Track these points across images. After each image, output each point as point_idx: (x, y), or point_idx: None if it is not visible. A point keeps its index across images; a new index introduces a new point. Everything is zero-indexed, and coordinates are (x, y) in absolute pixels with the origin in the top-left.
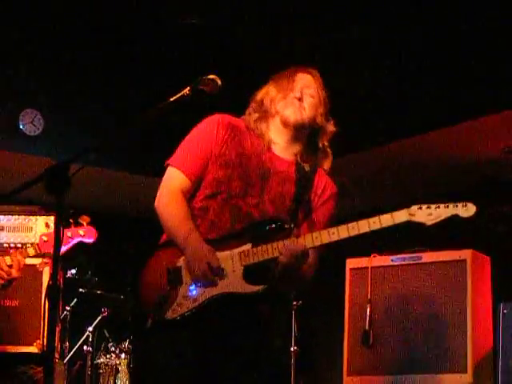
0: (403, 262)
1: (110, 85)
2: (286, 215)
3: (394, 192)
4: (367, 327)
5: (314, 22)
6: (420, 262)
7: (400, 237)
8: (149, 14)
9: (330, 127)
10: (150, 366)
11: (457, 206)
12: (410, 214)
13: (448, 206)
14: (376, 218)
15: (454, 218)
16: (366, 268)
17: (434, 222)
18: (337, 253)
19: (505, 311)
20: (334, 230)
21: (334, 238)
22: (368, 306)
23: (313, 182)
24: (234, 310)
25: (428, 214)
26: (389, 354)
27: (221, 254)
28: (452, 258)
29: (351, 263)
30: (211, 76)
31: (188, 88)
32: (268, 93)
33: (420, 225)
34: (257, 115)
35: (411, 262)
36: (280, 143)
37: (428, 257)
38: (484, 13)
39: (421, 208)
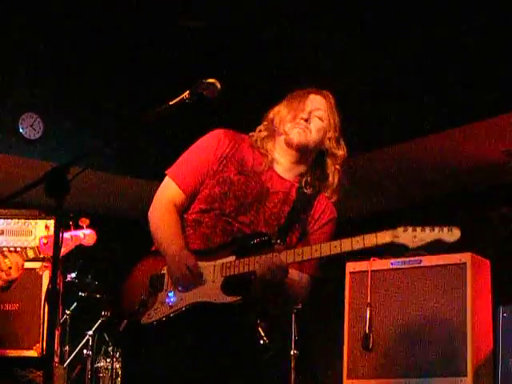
0: (403, 266)
1: (110, 88)
2: (275, 232)
3: (393, 194)
4: (367, 331)
5: (313, 22)
6: (419, 265)
7: None
8: (149, 15)
9: (340, 152)
10: (127, 370)
11: (442, 230)
12: (395, 236)
13: (433, 230)
14: (360, 238)
15: (439, 242)
16: (366, 272)
17: (417, 245)
18: (336, 256)
19: (504, 314)
20: (316, 247)
21: (316, 255)
22: (368, 309)
23: (312, 205)
24: (209, 318)
25: (413, 237)
26: (389, 358)
27: (203, 264)
28: (451, 261)
29: (351, 267)
30: (211, 80)
31: (187, 92)
32: (279, 112)
33: (403, 246)
34: (265, 133)
35: (411, 266)
36: (283, 164)
37: (427, 260)
38: (485, 15)
39: (406, 230)
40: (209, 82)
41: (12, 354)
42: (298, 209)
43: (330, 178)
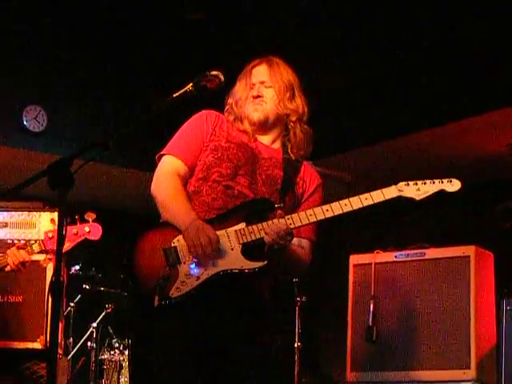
0: (407, 259)
1: (114, 81)
2: (276, 196)
3: None
4: (370, 323)
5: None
6: (423, 258)
7: (403, 233)
8: (151, 8)
9: (300, 108)
10: (156, 344)
11: (442, 182)
12: (399, 190)
13: (434, 182)
14: (367, 195)
15: (442, 193)
16: (370, 264)
17: (422, 196)
18: (340, 249)
19: (508, 307)
20: (327, 207)
21: (328, 214)
22: (371, 302)
23: (299, 171)
24: (236, 284)
25: (416, 190)
26: (392, 350)
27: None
28: (455, 254)
29: (355, 259)
30: (214, 72)
31: (191, 84)
32: (234, 95)
33: (410, 200)
34: (233, 117)
35: (414, 259)
36: (263, 138)
37: (431, 253)
38: (489, 8)
39: (408, 184)
40: (212, 74)
41: (16, 346)
42: (289, 173)
43: (291, 135)
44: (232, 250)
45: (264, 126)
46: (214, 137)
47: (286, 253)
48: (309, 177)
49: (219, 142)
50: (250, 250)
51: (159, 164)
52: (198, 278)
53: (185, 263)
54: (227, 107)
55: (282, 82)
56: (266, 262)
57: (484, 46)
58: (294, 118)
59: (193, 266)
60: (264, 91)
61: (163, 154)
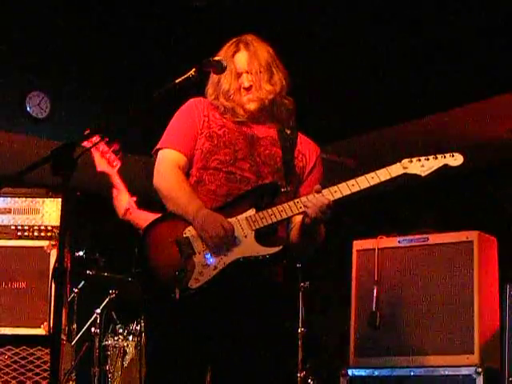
0: (410, 244)
1: (118, 67)
2: (281, 179)
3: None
4: (374, 308)
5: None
6: (427, 243)
7: (407, 218)
8: None
9: (278, 86)
10: (174, 335)
11: (444, 156)
12: (404, 167)
13: (437, 158)
14: (373, 174)
15: (447, 170)
16: (373, 249)
17: (427, 172)
18: (344, 234)
19: (511, 292)
20: (335, 188)
21: (337, 195)
22: (375, 287)
23: (295, 142)
24: (252, 273)
25: (420, 166)
26: (395, 335)
27: None
28: (459, 239)
29: (358, 245)
30: (217, 57)
31: (193, 69)
32: (219, 86)
33: (415, 176)
34: (222, 109)
35: (418, 244)
36: (257, 118)
37: (435, 238)
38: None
39: (411, 161)
40: (215, 60)
41: (20, 332)
42: (287, 150)
43: (276, 109)
44: (245, 237)
45: (259, 113)
46: (208, 124)
47: (318, 229)
48: (307, 149)
49: (213, 129)
50: (263, 235)
51: (158, 158)
52: (215, 267)
53: (200, 253)
54: (212, 99)
55: (260, 65)
56: (281, 247)
57: (490, 30)
58: (271, 97)
59: (208, 255)
60: (252, 78)
61: (159, 149)
